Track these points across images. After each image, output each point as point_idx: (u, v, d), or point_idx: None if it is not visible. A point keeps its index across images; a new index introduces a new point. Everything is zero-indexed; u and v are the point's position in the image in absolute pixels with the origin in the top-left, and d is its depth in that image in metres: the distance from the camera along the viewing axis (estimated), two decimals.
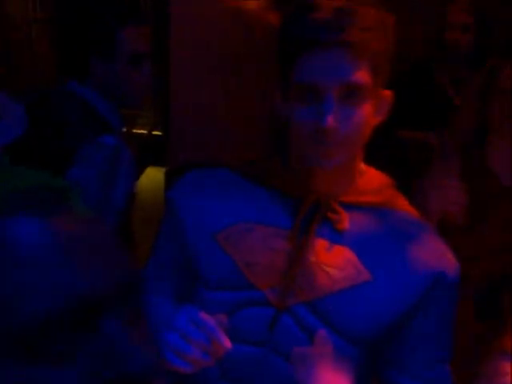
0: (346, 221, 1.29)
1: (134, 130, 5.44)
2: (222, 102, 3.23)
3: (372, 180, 1.37)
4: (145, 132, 5.52)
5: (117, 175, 1.95)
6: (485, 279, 2.01)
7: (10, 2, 5.00)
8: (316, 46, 1.19)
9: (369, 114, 1.25)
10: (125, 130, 2.37)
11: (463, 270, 1.32)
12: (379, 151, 1.34)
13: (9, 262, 0.63)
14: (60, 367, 0.63)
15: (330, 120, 1.19)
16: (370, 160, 1.38)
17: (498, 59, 2.16)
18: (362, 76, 1.20)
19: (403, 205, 1.36)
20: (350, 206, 1.31)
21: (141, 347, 0.67)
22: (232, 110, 3.25)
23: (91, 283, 0.65)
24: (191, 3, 3.09)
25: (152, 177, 3.75)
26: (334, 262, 1.27)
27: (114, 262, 0.69)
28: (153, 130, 5.45)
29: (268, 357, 1.28)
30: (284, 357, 1.27)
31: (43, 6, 5.28)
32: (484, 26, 2.99)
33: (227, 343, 1.12)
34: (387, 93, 1.30)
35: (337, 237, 1.29)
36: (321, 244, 1.28)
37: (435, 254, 1.30)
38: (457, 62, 3.02)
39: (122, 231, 2.04)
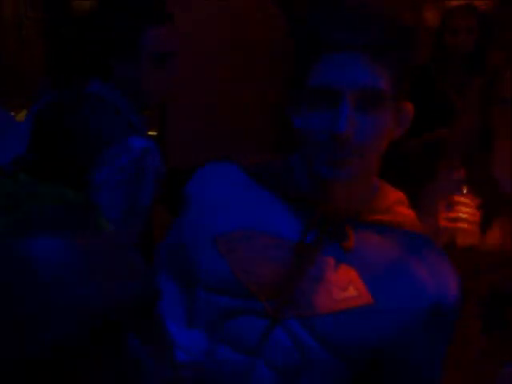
0: (353, 240, 1.27)
1: None
2: (219, 102, 3.24)
3: (385, 197, 1.34)
4: None
5: (144, 178, 1.92)
6: (490, 292, 2.02)
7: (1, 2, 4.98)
8: (336, 48, 1.16)
9: (387, 125, 1.21)
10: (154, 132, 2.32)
11: (468, 284, 1.31)
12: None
13: (33, 283, 0.64)
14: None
15: (346, 126, 1.16)
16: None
17: (498, 63, 2.17)
18: (382, 83, 1.18)
19: (413, 224, 1.34)
20: (359, 224, 1.29)
21: (159, 361, 0.68)
22: (231, 111, 3.26)
23: (112, 299, 0.66)
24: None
25: None
26: (336, 281, 1.25)
27: (134, 276, 0.70)
28: (148, 131, 5.43)
29: (257, 367, 1.28)
30: (274, 369, 1.27)
31: (34, 6, 5.26)
32: (485, 28, 2.99)
33: None
34: (408, 105, 1.27)
35: (342, 255, 1.27)
36: (325, 261, 1.26)
37: (437, 281, 1.27)
38: (457, 64, 3.01)
39: (146, 234, 2.03)
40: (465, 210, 1.93)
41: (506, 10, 3.25)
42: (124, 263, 0.70)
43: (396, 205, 1.35)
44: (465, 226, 1.93)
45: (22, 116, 3.11)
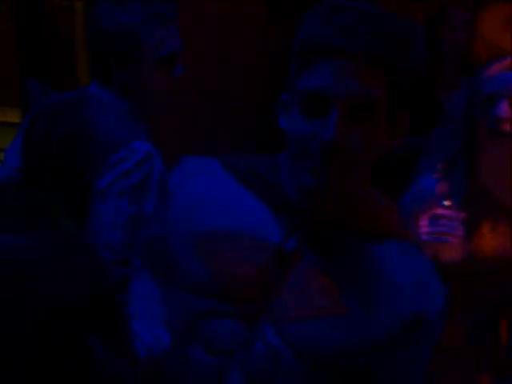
0: (335, 248, 1.26)
1: None
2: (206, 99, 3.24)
3: (372, 205, 1.33)
4: None
5: (149, 182, 1.89)
6: (478, 305, 2.01)
7: None
8: (332, 53, 1.15)
9: (378, 137, 1.20)
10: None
11: (456, 296, 1.31)
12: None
13: None
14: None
15: (335, 134, 1.15)
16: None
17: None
18: (376, 93, 1.16)
19: (400, 233, 1.33)
20: (343, 232, 1.28)
21: (120, 360, 0.70)
22: (218, 106, 3.26)
23: (69, 296, 0.68)
24: None
25: None
26: (313, 290, 1.25)
27: (93, 275, 0.72)
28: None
29: (229, 371, 1.27)
30: (246, 374, 1.26)
31: None
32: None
33: None
34: (405, 117, 1.25)
35: (322, 263, 1.26)
36: (304, 268, 1.26)
37: (421, 291, 1.26)
38: (450, 64, 2.95)
39: None
40: (448, 224, 1.93)
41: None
42: (82, 261, 0.72)
43: (384, 213, 1.34)
44: (448, 240, 1.92)
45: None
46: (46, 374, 0.68)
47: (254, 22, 3.37)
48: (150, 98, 2.03)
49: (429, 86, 2.89)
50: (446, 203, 1.91)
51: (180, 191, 1.36)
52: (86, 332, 0.70)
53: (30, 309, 0.66)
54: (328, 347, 1.23)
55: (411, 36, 1.20)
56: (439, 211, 1.91)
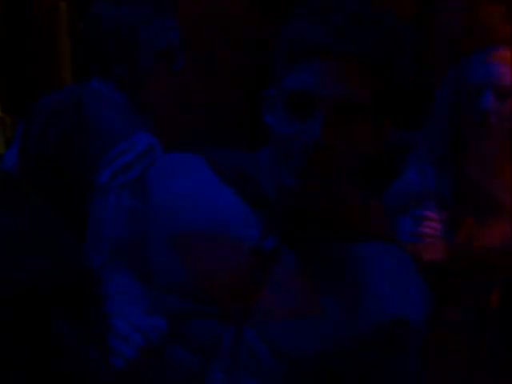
0: (315, 249, 1.25)
1: None
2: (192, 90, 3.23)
3: (356, 207, 1.31)
4: None
5: None
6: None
7: None
8: (321, 54, 1.14)
9: (363, 139, 1.19)
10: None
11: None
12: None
13: None
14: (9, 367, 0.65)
15: (320, 136, 1.14)
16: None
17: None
18: (364, 95, 1.16)
19: (384, 234, 1.32)
20: (324, 233, 1.27)
21: (87, 346, 0.68)
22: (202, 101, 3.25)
23: (37, 273, 0.67)
24: None
25: None
26: (291, 290, 1.23)
27: (61, 254, 0.71)
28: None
29: (211, 371, 1.26)
30: (227, 375, 1.25)
31: None
32: None
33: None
34: (387, 120, 1.24)
35: (302, 264, 1.24)
36: (282, 269, 1.24)
37: (401, 295, 1.25)
38: (444, 50, 2.92)
39: None
40: (430, 225, 1.91)
41: None
42: (51, 240, 0.71)
43: (367, 213, 1.33)
44: (431, 241, 1.91)
45: None
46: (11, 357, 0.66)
47: (242, 21, 3.37)
48: (149, 92, 2.01)
49: (420, 74, 2.88)
50: (428, 204, 1.90)
51: (159, 189, 1.33)
52: (53, 316, 0.68)
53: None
54: (307, 348, 1.22)
55: (400, 39, 1.19)
56: (421, 212, 1.90)
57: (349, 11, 1.16)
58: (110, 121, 1.93)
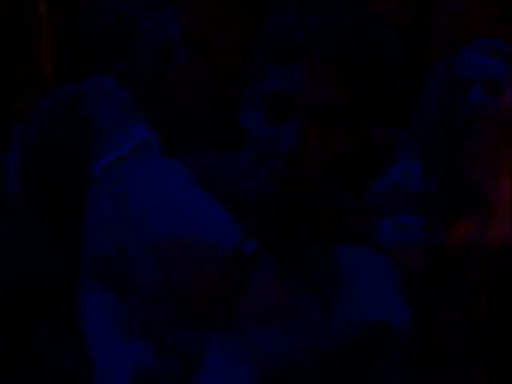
0: (295, 254, 1.25)
1: None
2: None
3: (337, 211, 1.32)
4: None
5: None
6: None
7: None
8: (298, 56, 1.14)
9: (342, 143, 1.20)
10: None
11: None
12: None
13: None
14: None
15: (301, 139, 1.14)
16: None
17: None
18: (345, 97, 1.16)
19: (364, 237, 1.33)
20: (304, 238, 1.27)
21: (68, 349, 0.68)
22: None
23: (16, 274, 0.68)
24: None
25: None
26: (273, 296, 1.24)
27: (39, 256, 0.71)
28: None
29: (191, 380, 1.25)
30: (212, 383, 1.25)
31: None
32: None
33: None
34: (375, 126, 1.25)
35: (282, 269, 1.25)
36: (261, 275, 1.24)
37: (383, 301, 1.26)
38: (441, 40, 2.91)
39: None
40: (411, 232, 1.91)
41: None
42: (29, 242, 0.71)
43: (349, 217, 1.33)
44: (409, 248, 1.91)
45: None
46: None
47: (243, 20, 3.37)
48: (149, 87, 2.01)
49: (420, 73, 2.87)
50: (410, 209, 1.90)
51: (136, 194, 1.32)
52: (33, 319, 0.69)
53: None
54: (289, 353, 1.21)
55: (379, 40, 1.19)
56: (402, 218, 1.89)
57: (325, 12, 1.16)
58: (108, 114, 1.91)
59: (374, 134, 1.26)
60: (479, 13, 3.00)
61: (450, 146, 2.05)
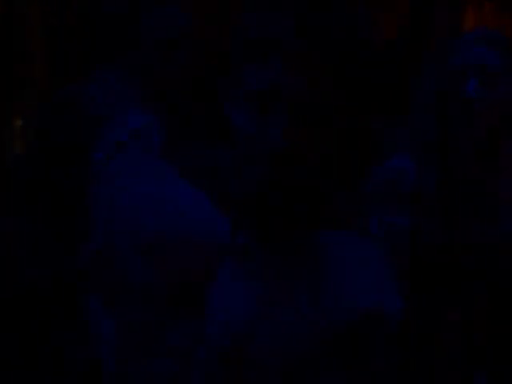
0: (285, 245, 1.27)
1: None
2: None
3: (325, 200, 1.31)
4: None
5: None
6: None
7: None
8: (283, 49, 1.18)
9: (330, 141, 1.22)
10: None
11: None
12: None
13: None
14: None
15: (283, 139, 1.19)
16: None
17: None
18: (323, 91, 1.19)
19: (354, 225, 1.35)
20: (298, 231, 1.28)
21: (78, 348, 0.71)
22: None
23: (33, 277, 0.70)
24: None
25: None
26: (265, 285, 1.25)
27: (49, 256, 0.75)
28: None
29: (191, 374, 1.26)
30: (206, 375, 1.26)
31: None
32: None
33: None
34: (365, 125, 1.27)
35: (270, 257, 1.26)
36: (252, 264, 1.25)
37: (375, 291, 1.27)
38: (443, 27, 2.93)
39: None
40: (397, 232, 1.89)
41: None
42: (32, 242, 0.74)
43: (338, 204, 1.36)
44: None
45: None
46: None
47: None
48: (153, 80, 1.99)
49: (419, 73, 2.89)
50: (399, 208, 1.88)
51: (125, 193, 1.34)
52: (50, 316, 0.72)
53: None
54: (280, 339, 1.23)
55: (361, 32, 1.27)
56: (389, 218, 1.87)
57: (304, 9, 1.19)
58: (110, 107, 1.92)
59: (363, 128, 1.28)
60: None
61: (448, 140, 2.02)
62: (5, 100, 2.86)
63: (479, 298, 1.87)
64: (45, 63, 2.99)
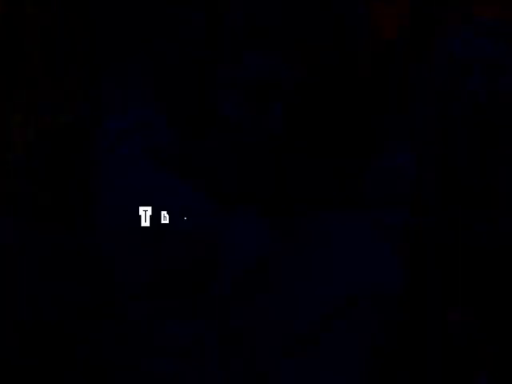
0: (285, 222, 1.28)
1: None
2: None
3: (324, 179, 1.34)
4: None
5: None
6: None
7: None
8: (276, 38, 1.17)
9: (330, 124, 1.23)
10: None
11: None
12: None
13: None
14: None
15: (279, 127, 1.18)
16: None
17: None
18: (314, 80, 1.18)
19: (356, 204, 1.35)
20: (300, 211, 1.30)
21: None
22: None
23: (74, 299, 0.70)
24: None
25: None
26: (263, 264, 1.27)
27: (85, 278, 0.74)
28: None
29: (187, 373, 1.27)
30: (201, 373, 1.26)
31: None
32: None
33: None
34: (365, 123, 1.28)
35: (272, 238, 1.28)
36: (248, 248, 1.26)
37: (375, 269, 1.29)
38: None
39: None
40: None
41: None
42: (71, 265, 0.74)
43: (338, 184, 1.36)
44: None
45: None
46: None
47: None
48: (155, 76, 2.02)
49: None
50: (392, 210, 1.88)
51: (113, 187, 1.35)
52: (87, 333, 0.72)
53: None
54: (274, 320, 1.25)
55: (358, 24, 1.27)
56: (389, 218, 1.87)
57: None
58: (113, 96, 1.95)
59: (361, 120, 1.28)
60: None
61: (450, 134, 2.01)
62: (5, 100, 2.86)
63: (479, 298, 1.88)
64: (45, 63, 2.99)
